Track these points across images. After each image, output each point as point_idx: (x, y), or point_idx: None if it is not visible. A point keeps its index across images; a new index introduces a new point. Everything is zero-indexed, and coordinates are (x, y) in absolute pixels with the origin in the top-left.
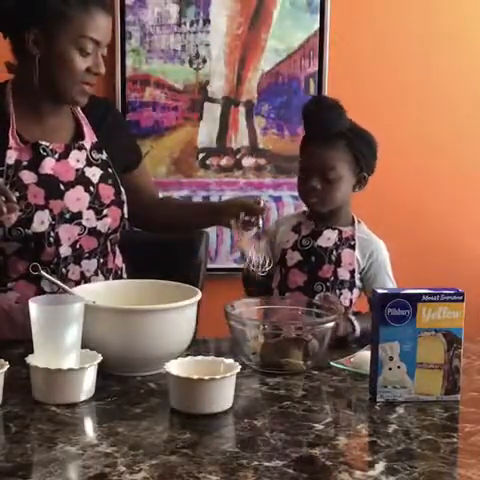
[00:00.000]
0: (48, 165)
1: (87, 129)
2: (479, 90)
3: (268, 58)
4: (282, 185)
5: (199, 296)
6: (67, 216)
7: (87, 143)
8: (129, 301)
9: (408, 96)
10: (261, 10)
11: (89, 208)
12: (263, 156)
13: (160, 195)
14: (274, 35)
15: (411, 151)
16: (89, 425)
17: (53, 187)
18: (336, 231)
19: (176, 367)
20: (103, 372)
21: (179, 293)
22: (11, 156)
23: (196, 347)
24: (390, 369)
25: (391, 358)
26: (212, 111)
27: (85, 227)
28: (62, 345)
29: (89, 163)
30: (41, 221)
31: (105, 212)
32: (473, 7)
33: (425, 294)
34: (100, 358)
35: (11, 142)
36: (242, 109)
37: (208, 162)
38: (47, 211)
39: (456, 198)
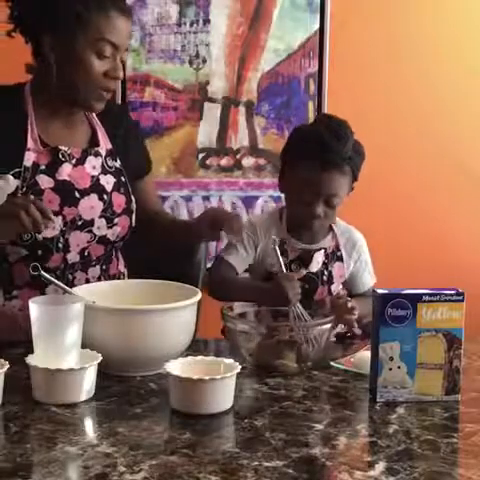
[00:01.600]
0: (65, 171)
1: (102, 135)
2: (478, 93)
3: (268, 58)
4: None
5: (199, 296)
6: (79, 223)
7: (102, 150)
8: (129, 301)
9: (408, 97)
10: (261, 10)
11: (101, 216)
12: (263, 156)
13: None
14: (274, 35)
15: (410, 151)
16: (89, 425)
17: (69, 194)
18: (322, 250)
19: (176, 367)
20: (103, 372)
21: (179, 293)
22: (29, 158)
23: (196, 347)
24: (390, 369)
25: (391, 358)
26: (212, 111)
27: (95, 235)
28: (62, 345)
29: (104, 171)
30: (52, 227)
31: (116, 221)
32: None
33: (425, 294)
34: (100, 358)
35: (30, 143)
36: (242, 109)
37: (208, 162)
38: (60, 217)
39: (453, 200)
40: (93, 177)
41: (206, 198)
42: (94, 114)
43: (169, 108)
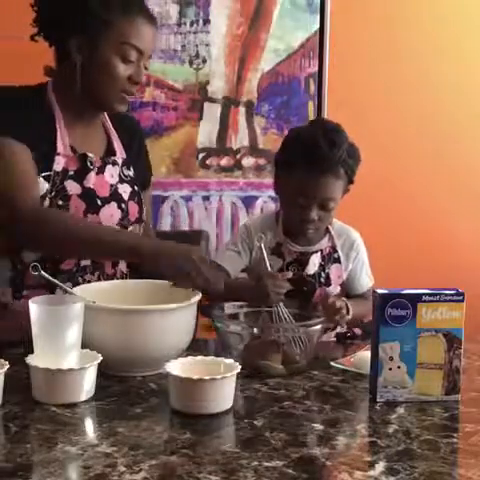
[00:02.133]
0: (91, 178)
1: (117, 144)
2: (477, 93)
3: (268, 58)
4: None
5: (199, 296)
6: None
7: (119, 159)
8: (129, 301)
9: (408, 97)
10: (261, 10)
11: (118, 224)
12: (263, 156)
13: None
14: (274, 35)
15: (409, 151)
16: (89, 425)
17: (92, 201)
18: (319, 253)
19: (176, 367)
20: (103, 372)
21: (179, 293)
22: (59, 163)
23: (196, 347)
24: (390, 369)
25: (391, 358)
26: (212, 111)
27: None
28: (62, 345)
29: (121, 179)
30: None
31: (130, 229)
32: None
33: (425, 294)
34: (100, 358)
35: (60, 148)
36: (242, 109)
37: (208, 162)
38: None
39: (453, 200)
40: (112, 186)
41: (206, 198)
42: (110, 123)
43: (169, 108)
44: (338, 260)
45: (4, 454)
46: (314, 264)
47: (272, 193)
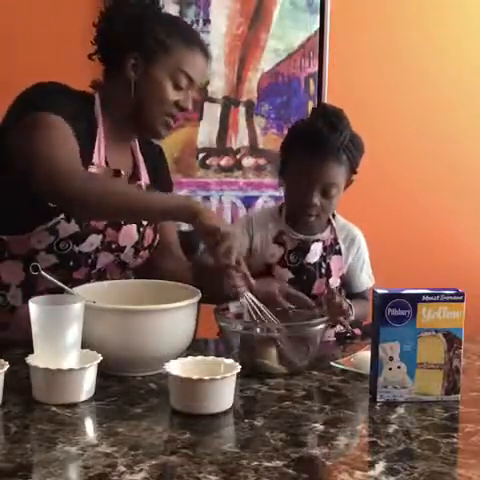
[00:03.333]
0: None
1: (143, 169)
2: (478, 93)
3: (268, 58)
4: None
5: (199, 296)
6: (113, 247)
7: (142, 183)
8: (129, 301)
9: (408, 96)
10: (261, 10)
11: (132, 247)
12: (263, 156)
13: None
14: (274, 35)
15: (410, 151)
16: (89, 425)
17: None
18: (320, 242)
19: (176, 367)
20: (103, 372)
21: (179, 293)
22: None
23: (196, 347)
24: (390, 369)
25: (391, 358)
26: (212, 111)
27: (120, 260)
28: (62, 345)
29: None
30: (91, 243)
31: (141, 254)
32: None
33: (425, 294)
34: (100, 358)
35: (96, 158)
36: (242, 109)
37: (208, 162)
38: (100, 236)
39: (454, 200)
40: None
41: (206, 198)
42: (138, 148)
43: None
44: (339, 252)
45: (4, 454)
46: (315, 253)
47: (272, 193)
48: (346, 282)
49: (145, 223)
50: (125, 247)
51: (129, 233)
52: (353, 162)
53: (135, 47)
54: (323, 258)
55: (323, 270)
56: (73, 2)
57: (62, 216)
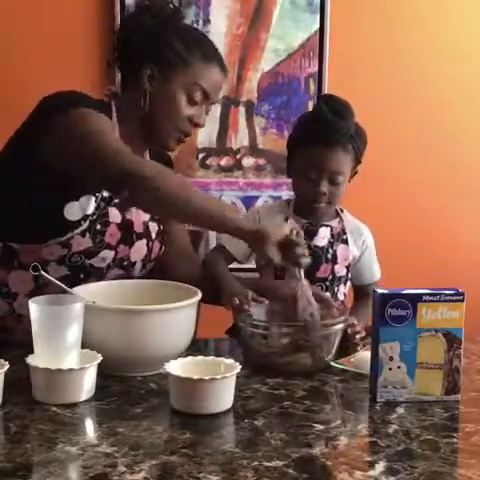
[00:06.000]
0: (133, 211)
1: None
2: (478, 93)
3: (268, 58)
4: (282, 185)
5: (199, 296)
6: (124, 263)
7: None
8: (129, 301)
9: (408, 96)
10: (261, 10)
11: (141, 261)
12: (263, 156)
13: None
14: (274, 35)
15: (409, 151)
16: (89, 425)
17: (127, 234)
18: (328, 228)
19: (176, 367)
20: (103, 372)
21: (179, 293)
22: None
23: (196, 347)
24: (390, 369)
25: (391, 358)
26: (212, 111)
27: (128, 274)
28: (62, 345)
29: (152, 217)
30: (103, 258)
31: (148, 266)
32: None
33: (425, 294)
34: (100, 358)
35: None
36: (242, 109)
37: (208, 162)
38: (113, 252)
39: (454, 200)
40: (144, 222)
41: None
42: (148, 156)
43: None
44: (346, 241)
45: (4, 454)
46: (323, 237)
47: (272, 193)
48: (357, 274)
49: (154, 237)
50: (135, 263)
51: (140, 249)
52: (358, 152)
53: (153, 58)
54: (330, 244)
55: (329, 256)
56: (73, 2)
57: (77, 231)
